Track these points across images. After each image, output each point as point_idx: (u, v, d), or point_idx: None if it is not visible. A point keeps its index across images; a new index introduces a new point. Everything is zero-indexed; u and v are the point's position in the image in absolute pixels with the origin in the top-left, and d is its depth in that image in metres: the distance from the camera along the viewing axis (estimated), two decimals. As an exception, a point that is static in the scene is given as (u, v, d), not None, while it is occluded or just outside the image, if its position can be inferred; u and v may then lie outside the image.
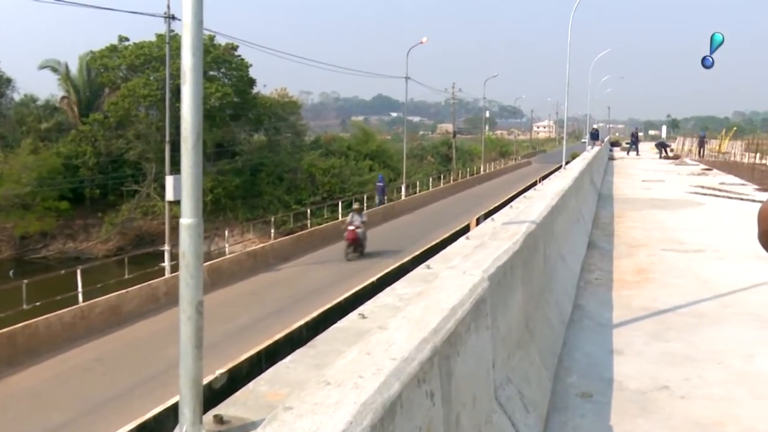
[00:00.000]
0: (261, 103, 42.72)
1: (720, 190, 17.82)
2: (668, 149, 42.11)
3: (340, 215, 32.25)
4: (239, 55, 40.97)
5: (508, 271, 3.67)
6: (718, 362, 4.68)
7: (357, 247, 22.23)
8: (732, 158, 39.19)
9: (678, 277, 7.55)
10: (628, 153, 43.12)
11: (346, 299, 15.54)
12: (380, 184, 38.88)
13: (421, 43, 42.42)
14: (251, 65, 41.54)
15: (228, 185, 37.97)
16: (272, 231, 27.41)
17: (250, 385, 1.95)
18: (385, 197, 38.53)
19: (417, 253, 20.81)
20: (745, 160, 33.89)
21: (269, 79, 71.06)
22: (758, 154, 32.91)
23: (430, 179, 48.41)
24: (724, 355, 4.80)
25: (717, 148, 45.59)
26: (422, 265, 3.70)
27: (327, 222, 31.06)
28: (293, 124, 45.83)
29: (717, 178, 23.61)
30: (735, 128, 59.54)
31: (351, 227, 22.18)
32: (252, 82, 41.94)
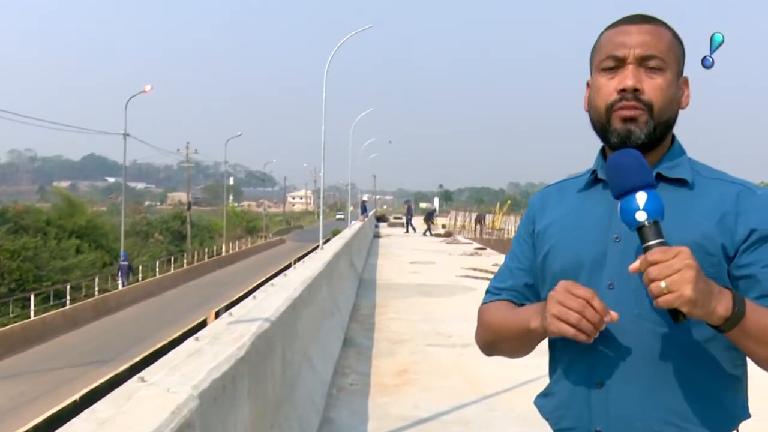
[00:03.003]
0: None
1: (492, 273, 19.46)
2: (433, 219, 45.13)
3: (32, 312, 30.14)
4: None
5: (228, 385, 3.66)
6: (481, 477, 5.00)
7: None
8: (507, 235, 43.16)
9: (443, 377, 8.03)
10: (407, 230, 45.37)
11: (36, 427, 14.41)
12: (124, 262, 37.94)
13: (144, 92, 41.99)
14: None
15: None
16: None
17: None
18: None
19: (137, 359, 20.02)
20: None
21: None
22: (533, 231, 36.51)
23: (158, 262, 47.22)
24: (488, 468, 5.15)
25: (491, 223, 49.98)
26: (136, 377, 3.57)
27: (15, 322, 28.78)
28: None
29: (491, 258, 25.77)
30: (510, 201, 65.81)
31: None
32: None
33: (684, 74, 1.71)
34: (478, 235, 44.61)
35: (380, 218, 64.35)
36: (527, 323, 1.64)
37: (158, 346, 21.50)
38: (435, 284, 17.17)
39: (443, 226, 54.18)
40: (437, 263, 23.36)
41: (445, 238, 40.57)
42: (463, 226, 52.69)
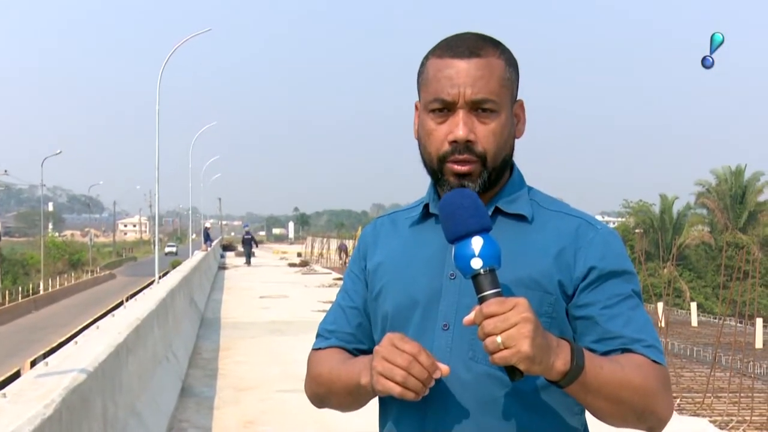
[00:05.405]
0: None
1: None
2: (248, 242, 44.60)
3: None
4: None
5: (31, 451, 3.49)
6: None
7: None
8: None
9: (296, 427, 8.00)
10: (247, 262, 44.90)
11: None
12: None
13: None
14: None
15: None
16: None
17: None
18: None
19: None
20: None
21: None
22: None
23: (-40, 305, 45.07)
24: None
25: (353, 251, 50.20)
26: None
27: None
28: None
29: (352, 289, 25.94)
30: (373, 225, 66.29)
31: None
32: None
33: (519, 97, 1.74)
34: (340, 264, 44.68)
35: (227, 247, 63.62)
36: (358, 378, 1.64)
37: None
38: (288, 321, 17.12)
39: (299, 254, 54.14)
40: (291, 297, 23.34)
41: (300, 268, 40.51)
42: (321, 254, 52.78)
